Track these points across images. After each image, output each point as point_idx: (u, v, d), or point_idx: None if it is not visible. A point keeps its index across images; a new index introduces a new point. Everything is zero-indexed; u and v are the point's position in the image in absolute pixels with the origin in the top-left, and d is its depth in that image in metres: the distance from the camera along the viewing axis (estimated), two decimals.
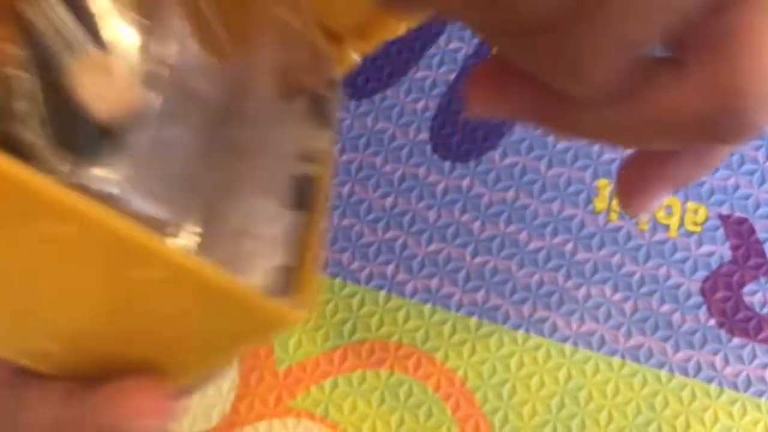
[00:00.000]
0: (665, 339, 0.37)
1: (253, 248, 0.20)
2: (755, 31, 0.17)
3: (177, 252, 0.19)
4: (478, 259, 0.39)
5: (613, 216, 0.39)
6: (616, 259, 0.38)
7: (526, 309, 0.38)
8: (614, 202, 0.39)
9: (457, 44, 0.42)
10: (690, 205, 0.39)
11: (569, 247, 0.39)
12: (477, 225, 0.39)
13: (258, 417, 0.37)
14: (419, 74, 0.41)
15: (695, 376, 0.37)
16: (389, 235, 0.39)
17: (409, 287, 0.39)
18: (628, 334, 0.37)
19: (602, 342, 0.37)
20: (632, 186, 0.22)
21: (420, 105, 0.41)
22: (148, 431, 0.21)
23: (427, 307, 0.38)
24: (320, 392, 0.37)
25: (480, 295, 0.38)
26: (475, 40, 0.42)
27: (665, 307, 0.38)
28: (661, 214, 0.39)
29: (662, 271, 0.38)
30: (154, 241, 0.18)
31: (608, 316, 0.38)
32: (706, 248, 0.38)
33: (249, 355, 0.38)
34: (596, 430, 0.36)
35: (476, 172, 0.40)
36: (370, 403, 0.37)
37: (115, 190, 0.18)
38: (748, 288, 0.38)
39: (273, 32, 0.22)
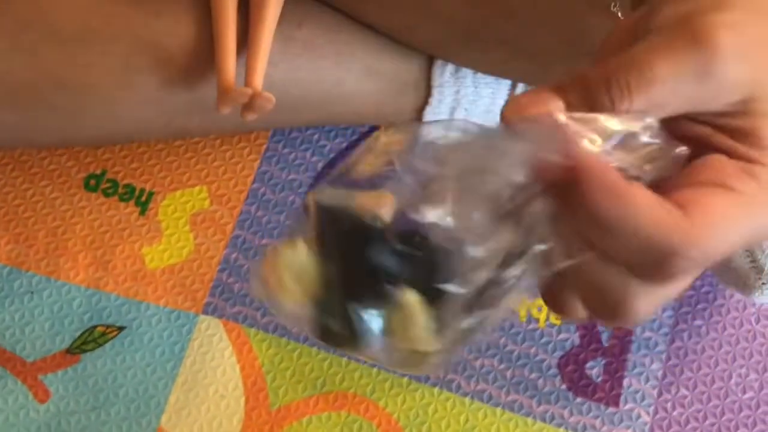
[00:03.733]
0: (532, 396, 0.56)
1: None
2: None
3: None
4: None
5: None
6: (502, 340, 0.57)
7: (441, 373, 0.56)
8: None
9: None
10: None
11: None
12: None
13: None
14: None
15: (550, 422, 0.55)
16: None
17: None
18: (507, 392, 0.56)
19: (490, 397, 0.56)
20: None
21: None
22: None
23: (374, 369, 0.56)
24: (300, 426, 0.55)
25: None
26: None
27: (533, 375, 0.56)
28: (534, 311, 0.58)
29: (533, 350, 0.57)
30: None
31: (495, 379, 0.56)
32: (563, 335, 0.57)
33: (251, 398, 0.55)
34: None
35: None
36: None
37: None
38: (589, 364, 0.57)
39: None
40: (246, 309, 0.57)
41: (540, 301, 0.58)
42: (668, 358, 0.57)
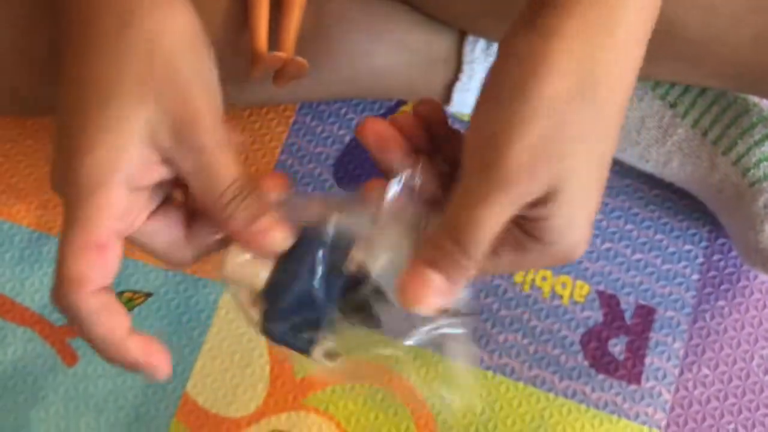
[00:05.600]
0: (554, 372, 0.56)
1: None
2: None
3: None
4: None
5: (526, 287, 0.58)
6: (525, 315, 0.57)
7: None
8: (528, 277, 0.58)
9: None
10: (578, 282, 0.58)
11: (495, 305, 0.57)
12: None
13: (281, 409, 0.55)
14: None
15: (572, 397, 0.56)
16: None
17: None
18: (530, 367, 0.56)
19: (512, 371, 0.56)
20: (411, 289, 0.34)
21: None
22: None
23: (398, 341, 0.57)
24: (324, 395, 0.55)
25: None
26: None
27: (556, 351, 0.57)
28: (558, 287, 0.58)
29: (555, 326, 0.57)
30: None
31: (518, 354, 0.56)
32: (586, 313, 0.57)
33: (276, 367, 0.56)
34: (504, 430, 0.55)
35: None
36: (356, 404, 0.55)
37: None
38: (611, 341, 0.57)
39: None
40: None
41: (564, 278, 0.58)
42: (690, 338, 0.57)
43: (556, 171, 0.31)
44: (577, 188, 0.32)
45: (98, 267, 0.32)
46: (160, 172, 0.33)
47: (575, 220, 0.33)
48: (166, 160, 0.33)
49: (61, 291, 0.32)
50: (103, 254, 0.32)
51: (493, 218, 0.31)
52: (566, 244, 0.33)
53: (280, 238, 0.34)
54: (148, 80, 0.32)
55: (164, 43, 0.32)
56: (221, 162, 0.33)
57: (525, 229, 0.33)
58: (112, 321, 0.33)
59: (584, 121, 0.31)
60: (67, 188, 0.32)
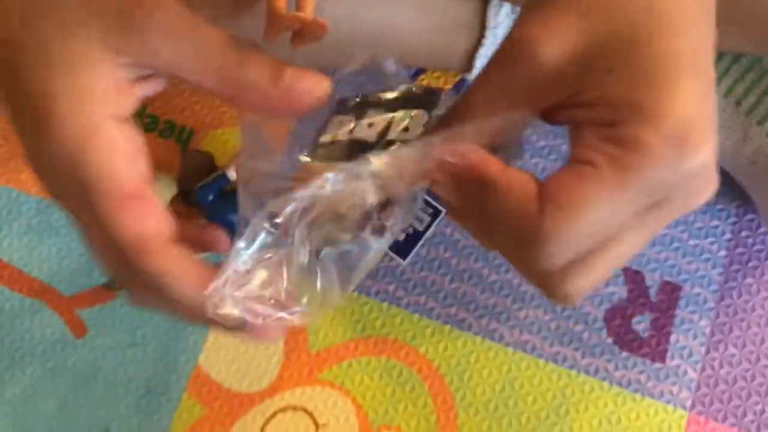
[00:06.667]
0: (576, 349, 0.55)
1: None
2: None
3: None
4: (453, 285, 0.56)
5: None
6: None
7: (483, 322, 0.55)
8: None
9: None
10: None
11: (516, 281, 0.56)
12: (454, 261, 0.56)
13: (295, 384, 0.54)
14: None
15: (594, 375, 0.54)
16: (393, 263, 0.56)
17: (404, 301, 0.55)
18: (551, 344, 0.55)
19: (533, 348, 0.55)
20: None
21: None
22: None
23: (416, 315, 0.55)
24: (339, 369, 0.54)
25: (453, 310, 0.55)
26: None
27: (578, 327, 0.55)
28: None
29: (578, 302, 0.55)
30: None
31: (539, 330, 0.55)
32: (610, 288, 0.56)
33: (291, 340, 0.54)
34: (524, 408, 0.54)
35: (456, 225, 0.57)
36: (372, 379, 0.54)
37: None
38: (636, 319, 0.55)
39: None
40: None
41: None
42: (717, 316, 0.55)
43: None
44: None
45: (150, 217, 0.26)
46: (137, 91, 0.27)
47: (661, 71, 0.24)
48: (140, 75, 0.27)
49: (127, 262, 0.26)
50: (144, 203, 0.26)
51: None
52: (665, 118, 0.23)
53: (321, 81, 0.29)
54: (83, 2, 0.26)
55: None
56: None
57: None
58: (194, 275, 0.27)
59: None
60: (59, 156, 0.26)
